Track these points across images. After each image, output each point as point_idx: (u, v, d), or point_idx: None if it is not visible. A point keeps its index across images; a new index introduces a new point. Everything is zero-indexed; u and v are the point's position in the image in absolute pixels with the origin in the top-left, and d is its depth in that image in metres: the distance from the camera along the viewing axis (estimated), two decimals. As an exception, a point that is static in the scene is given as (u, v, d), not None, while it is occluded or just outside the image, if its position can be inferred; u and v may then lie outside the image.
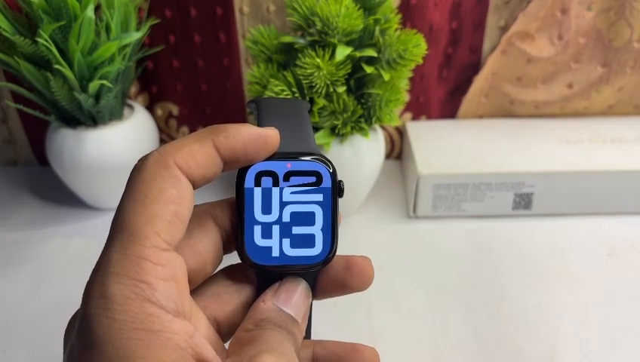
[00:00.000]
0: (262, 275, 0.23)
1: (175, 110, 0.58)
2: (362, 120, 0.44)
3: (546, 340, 0.37)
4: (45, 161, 0.52)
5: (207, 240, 0.22)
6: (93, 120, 0.47)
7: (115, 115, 0.49)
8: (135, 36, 0.45)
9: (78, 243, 0.48)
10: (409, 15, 0.51)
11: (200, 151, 0.20)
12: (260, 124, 0.23)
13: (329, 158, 0.22)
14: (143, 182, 0.19)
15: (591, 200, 0.49)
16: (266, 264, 0.22)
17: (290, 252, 0.22)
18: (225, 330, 0.23)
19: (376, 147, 0.47)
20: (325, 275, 0.23)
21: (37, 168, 0.60)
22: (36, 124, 0.52)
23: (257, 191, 0.22)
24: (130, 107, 0.51)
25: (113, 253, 0.18)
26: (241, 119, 0.57)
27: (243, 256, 0.22)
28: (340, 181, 0.22)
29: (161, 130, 0.58)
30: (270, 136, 0.21)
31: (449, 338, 0.38)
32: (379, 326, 0.39)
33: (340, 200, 0.23)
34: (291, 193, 0.22)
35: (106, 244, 0.19)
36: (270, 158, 0.22)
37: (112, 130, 0.48)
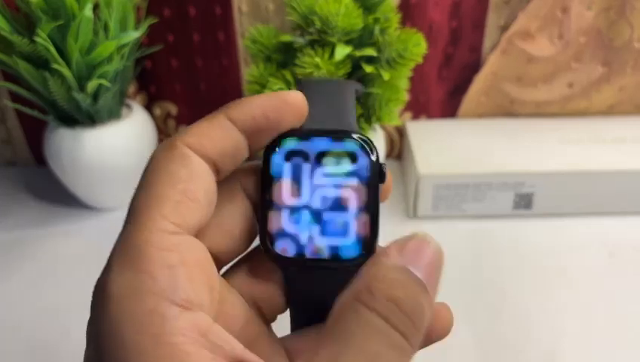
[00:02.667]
0: (286, 267, 0.20)
1: (174, 110, 0.57)
2: (362, 119, 0.44)
3: (546, 340, 0.37)
4: (43, 162, 0.52)
5: (237, 215, 0.20)
6: (92, 119, 0.47)
7: (114, 114, 0.48)
8: (133, 35, 0.45)
9: (77, 243, 0.48)
10: (409, 14, 0.51)
11: (211, 127, 0.18)
12: None
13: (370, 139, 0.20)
14: (152, 169, 0.18)
15: (592, 201, 0.49)
16: (292, 255, 0.19)
17: (321, 241, 0.19)
18: (267, 311, 0.21)
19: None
20: None
21: (35, 168, 0.60)
22: (34, 124, 0.52)
23: (286, 170, 0.19)
24: (129, 107, 0.51)
25: (117, 243, 0.17)
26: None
27: (265, 244, 0.20)
28: (382, 164, 0.20)
29: (159, 129, 0.58)
30: (292, 96, 0.19)
31: (449, 338, 0.38)
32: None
33: None
34: (324, 175, 0.19)
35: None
36: (301, 135, 0.19)
37: (110, 129, 0.47)
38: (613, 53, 0.52)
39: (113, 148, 0.47)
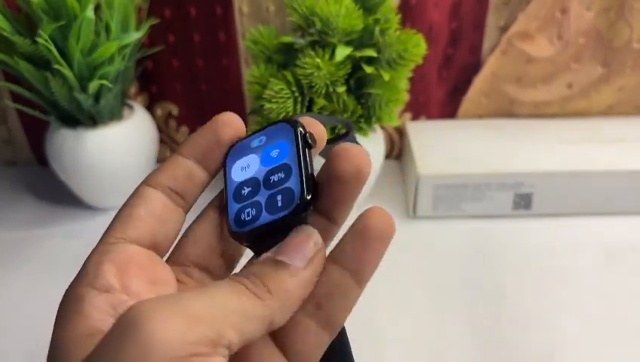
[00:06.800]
0: (246, 240, 0.23)
1: (175, 110, 0.57)
2: (362, 120, 0.44)
3: (545, 340, 0.37)
4: (44, 162, 0.52)
5: (207, 226, 0.24)
6: (93, 120, 0.47)
7: (115, 115, 0.48)
8: (135, 36, 0.45)
9: (77, 243, 0.48)
10: (409, 15, 0.51)
11: (166, 164, 0.23)
12: None
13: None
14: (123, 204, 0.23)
15: (591, 201, 0.49)
16: (246, 229, 0.23)
17: (267, 207, 0.23)
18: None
19: (376, 147, 0.47)
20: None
21: (36, 168, 0.60)
22: (35, 124, 0.52)
23: (236, 166, 0.24)
24: (130, 107, 0.51)
25: None
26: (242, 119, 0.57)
27: (227, 227, 0.23)
28: (308, 132, 0.23)
29: (160, 130, 0.58)
30: (225, 117, 0.24)
31: (449, 338, 0.38)
32: (379, 325, 0.39)
33: None
34: (261, 155, 0.24)
35: None
36: (244, 138, 0.24)
37: (111, 130, 0.48)
38: (613, 54, 0.52)
39: (114, 148, 0.48)
